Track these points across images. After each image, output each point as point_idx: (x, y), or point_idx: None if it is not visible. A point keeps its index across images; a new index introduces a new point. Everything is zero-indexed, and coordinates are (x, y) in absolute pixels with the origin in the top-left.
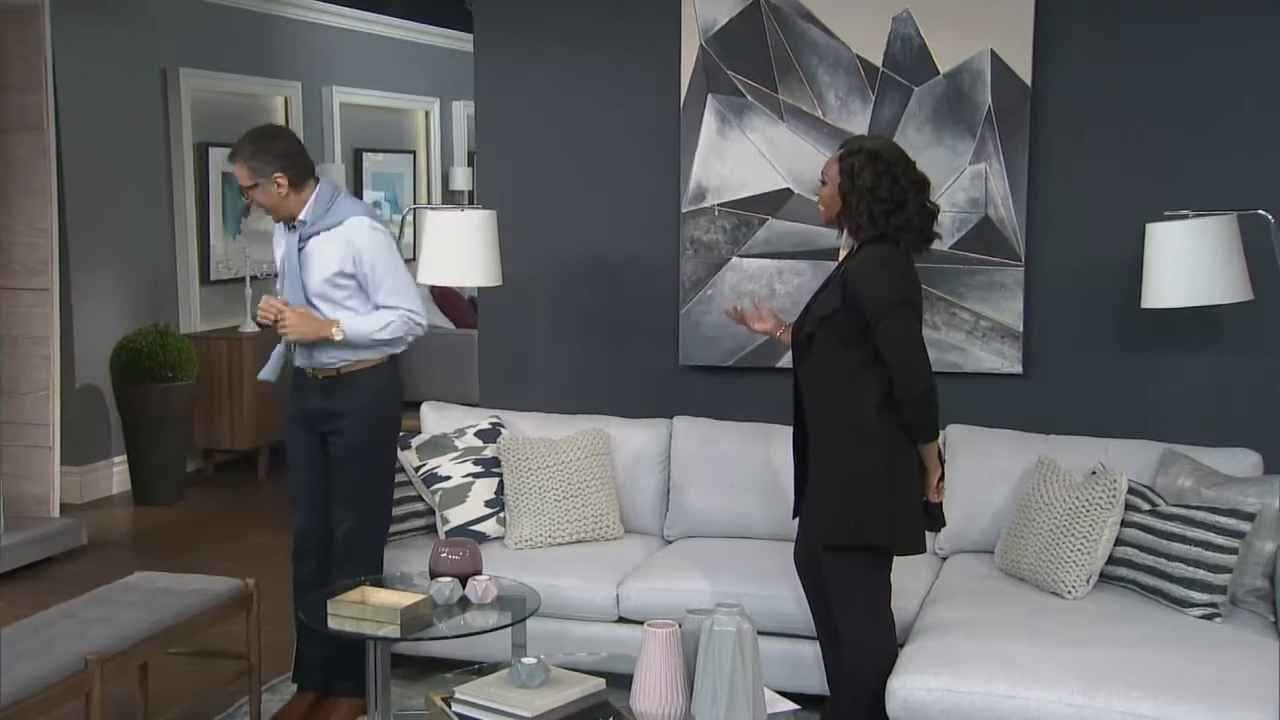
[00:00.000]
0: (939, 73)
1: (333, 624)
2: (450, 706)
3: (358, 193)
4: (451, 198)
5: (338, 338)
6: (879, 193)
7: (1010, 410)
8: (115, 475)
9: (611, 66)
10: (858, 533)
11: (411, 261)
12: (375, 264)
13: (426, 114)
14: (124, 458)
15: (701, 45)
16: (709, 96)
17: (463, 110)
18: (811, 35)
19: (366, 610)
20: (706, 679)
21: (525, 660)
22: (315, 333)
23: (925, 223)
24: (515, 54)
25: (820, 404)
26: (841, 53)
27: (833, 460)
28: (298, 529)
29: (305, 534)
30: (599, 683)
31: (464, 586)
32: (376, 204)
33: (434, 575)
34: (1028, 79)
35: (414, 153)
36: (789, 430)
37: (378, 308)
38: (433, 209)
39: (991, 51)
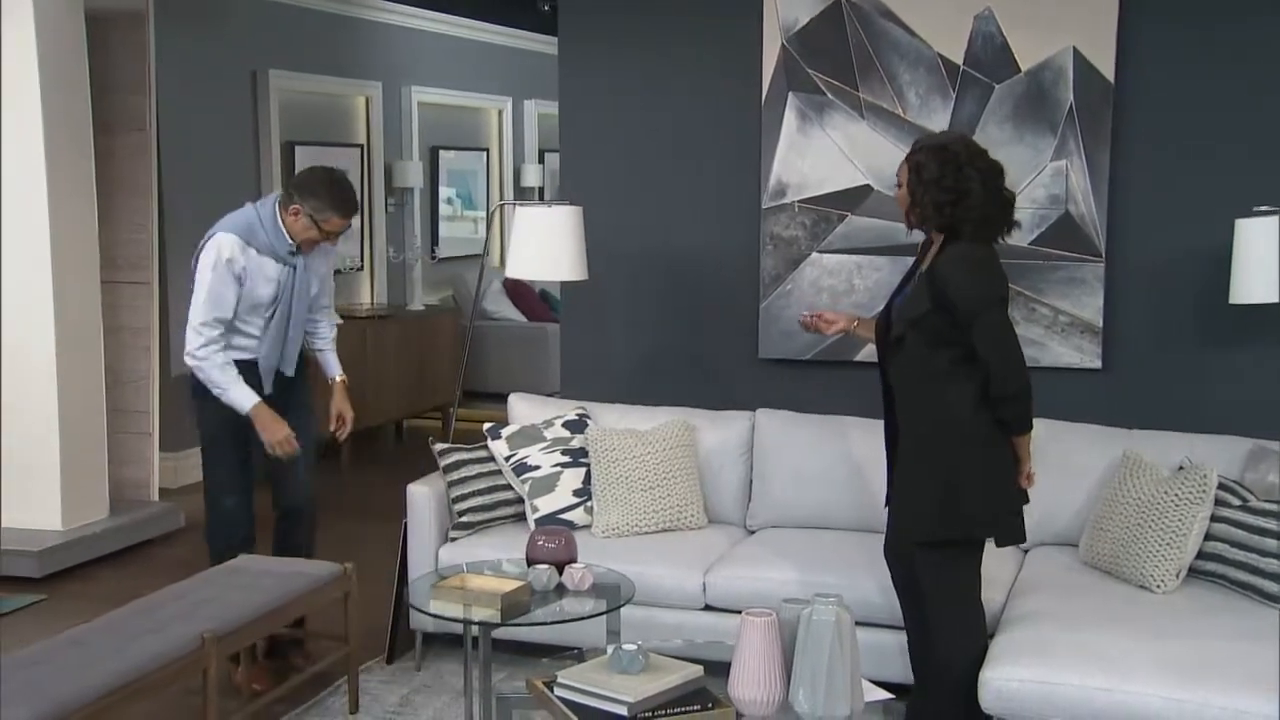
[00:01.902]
0: (1020, 70)
1: (435, 608)
2: (552, 691)
3: (434, 189)
4: (522, 194)
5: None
6: (944, 182)
7: (1089, 405)
8: None
9: (693, 65)
10: (959, 527)
11: (484, 257)
12: (333, 265)
13: (499, 113)
14: None
15: (783, 44)
16: (790, 94)
17: (534, 109)
18: (892, 34)
19: (468, 596)
20: (805, 667)
21: (626, 646)
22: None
23: (997, 210)
24: (598, 52)
25: (914, 403)
26: (922, 51)
27: (928, 458)
28: (233, 518)
29: (240, 520)
30: (697, 669)
31: (560, 574)
32: (449, 200)
33: (531, 562)
34: (1110, 76)
35: (487, 150)
36: (869, 423)
37: (319, 307)
38: (520, 205)
39: (1074, 49)
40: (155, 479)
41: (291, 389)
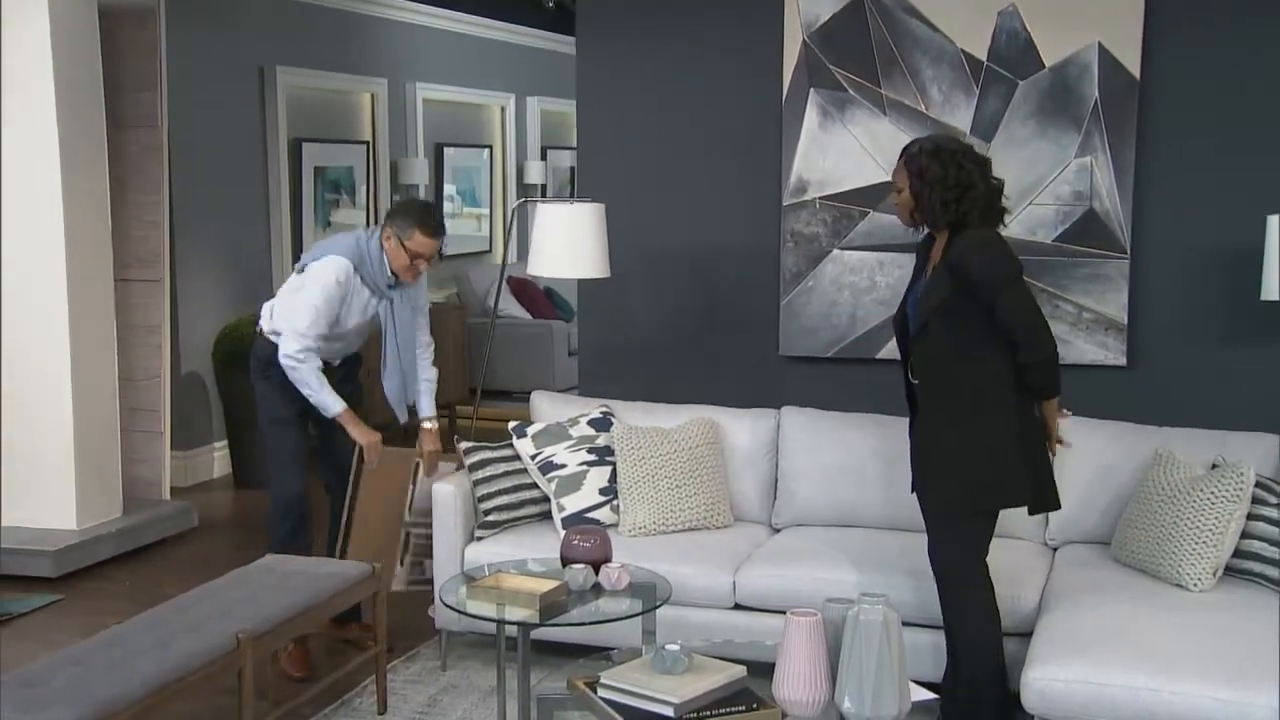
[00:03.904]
0: (1044, 66)
1: (472, 608)
2: (595, 692)
3: (439, 186)
4: (525, 191)
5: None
6: (948, 180)
7: (1114, 402)
8: (216, 460)
9: (714, 61)
10: (1000, 495)
11: (485, 250)
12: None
13: (502, 109)
14: (225, 442)
15: (804, 40)
16: (811, 91)
17: (536, 105)
18: (915, 30)
19: (504, 595)
20: (852, 668)
21: (669, 647)
22: (439, 440)
23: (995, 200)
24: (616, 49)
25: (943, 385)
26: (945, 47)
27: (962, 433)
28: (296, 495)
29: (300, 497)
30: (740, 670)
31: (595, 573)
32: (450, 197)
33: (565, 562)
34: (1136, 72)
35: (490, 147)
36: (895, 420)
37: (420, 339)
38: (543, 202)
39: (1099, 45)
40: (167, 478)
41: (348, 364)
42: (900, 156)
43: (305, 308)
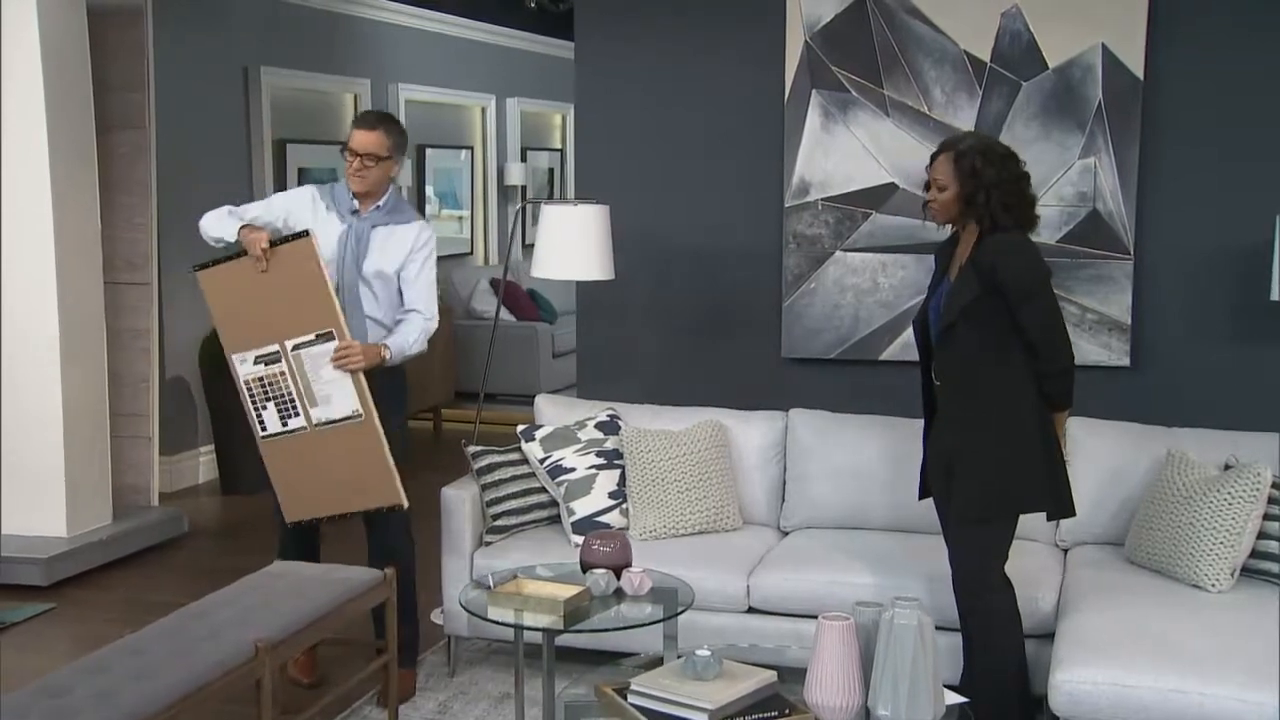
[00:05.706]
0: (1048, 67)
1: (493, 615)
2: (625, 698)
3: (421, 188)
4: (506, 193)
5: (388, 359)
6: (1007, 183)
7: (1118, 403)
8: (202, 465)
9: (715, 62)
10: (1024, 501)
11: (467, 253)
12: (425, 266)
13: (483, 110)
14: (211, 447)
15: (806, 41)
16: (813, 92)
17: (516, 106)
18: (918, 31)
19: (528, 602)
20: (886, 672)
21: (700, 652)
22: (374, 360)
23: (1034, 205)
24: (616, 50)
25: (970, 388)
26: (948, 48)
27: (989, 437)
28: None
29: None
30: (770, 675)
31: (617, 578)
32: (429, 200)
33: (586, 567)
34: (1140, 72)
35: (470, 148)
36: (903, 422)
37: (406, 307)
38: (547, 203)
39: (1103, 45)
40: (155, 483)
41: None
42: (942, 153)
43: None
